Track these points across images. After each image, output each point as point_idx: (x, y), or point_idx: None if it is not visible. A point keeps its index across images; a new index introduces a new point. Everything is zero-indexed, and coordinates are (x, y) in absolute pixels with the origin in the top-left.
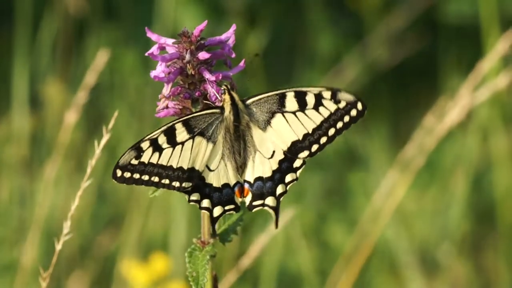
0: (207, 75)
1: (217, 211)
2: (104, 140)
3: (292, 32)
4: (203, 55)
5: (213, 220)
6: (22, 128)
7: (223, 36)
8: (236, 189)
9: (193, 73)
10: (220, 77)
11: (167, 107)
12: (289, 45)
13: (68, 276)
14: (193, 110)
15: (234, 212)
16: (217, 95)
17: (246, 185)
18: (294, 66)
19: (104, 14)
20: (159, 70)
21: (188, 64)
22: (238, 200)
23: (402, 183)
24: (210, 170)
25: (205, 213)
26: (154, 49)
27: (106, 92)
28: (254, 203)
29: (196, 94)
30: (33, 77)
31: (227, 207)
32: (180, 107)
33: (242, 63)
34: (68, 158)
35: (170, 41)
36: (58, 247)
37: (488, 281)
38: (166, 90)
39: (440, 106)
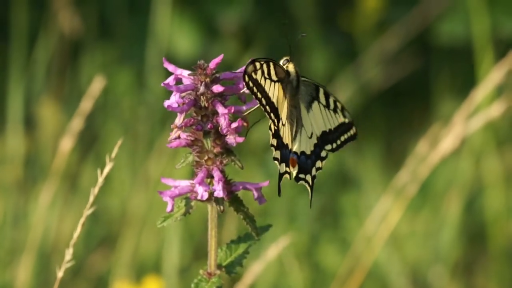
0: (220, 108)
1: (281, 168)
2: (107, 169)
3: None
4: (217, 88)
5: (279, 176)
6: (16, 149)
7: (238, 71)
8: (291, 156)
9: (206, 105)
10: (233, 111)
11: (179, 137)
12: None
13: None
14: (205, 142)
15: (288, 178)
16: (229, 128)
17: (295, 156)
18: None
19: (98, 33)
20: (173, 100)
21: (202, 96)
22: (291, 168)
23: (396, 210)
24: (283, 124)
25: (211, 245)
26: (170, 80)
27: (100, 111)
28: (300, 175)
29: (208, 126)
30: (28, 97)
31: (286, 170)
32: (192, 138)
33: (254, 100)
34: (61, 178)
35: (185, 72)
36: (60, 274)
37: None
38: (179, 120)
39: (433, 133)
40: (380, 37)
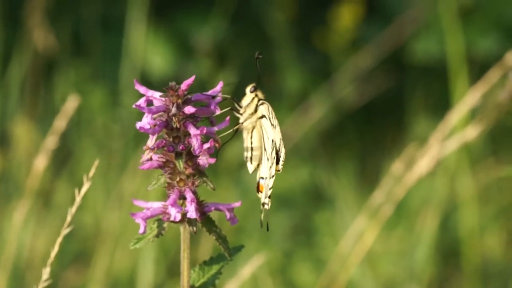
0: (192, 130)
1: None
2: (84, 189)
3: (261, 71)
4: (189, 109)
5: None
6: None
7: (209, 92)
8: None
9: (178, 126)
10: (205, 132)
11: (151, 159)
12: (257, 83)
13: None
14: (177, 163)
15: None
16: (201, 149)
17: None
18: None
19: (72, 51)
20: (145, 122)
21: (174, 118)
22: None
23: (371, 230)
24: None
25: (184, 266)
26: (141, 101)
27: (73, 128)
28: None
29: (180, 147)
30: (2, 115)
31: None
32: (164, 160)
33: (227, 120)
34: (35, 195)
35: (157, 94)
36: None
37: None
38: (151, 142)
39: (408, 153)
40: (354, 56)
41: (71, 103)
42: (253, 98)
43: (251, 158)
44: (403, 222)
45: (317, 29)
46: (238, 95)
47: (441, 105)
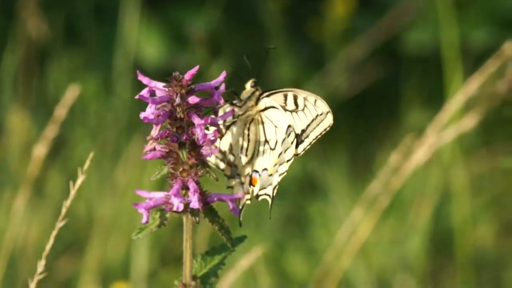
0: (196, 119)
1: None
2: (79, 182)
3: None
4: (193, 99)
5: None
6: None
7: (213, 82)
8: None
9: (182, 116)
10: (209, 122)
11: (154, 149)
12: (251, 73)
13: None
14: (180, 154)
15: None
16: (205, 139)
17: None
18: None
19: (65, 40)
20: (149, 112)
21: (178, 108)
22: None
23: (367, 221)
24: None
25: (186, 256)
26: (144, 92)
27: (67, 117)
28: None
29: (184, 138)
30: None
31: None
32: (167, 150)
33: (230, 111)
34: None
35: (160, 84)
36: (32, 285)
37: None
38: (155, 132)
39: (404, 144)
40: (347, 46)
41: (71, 92)
42: (253, 92)
43: (246, 150)
44: (396, 212)
45: (310, 19)
46: (234, 85)
47: (434, 95)
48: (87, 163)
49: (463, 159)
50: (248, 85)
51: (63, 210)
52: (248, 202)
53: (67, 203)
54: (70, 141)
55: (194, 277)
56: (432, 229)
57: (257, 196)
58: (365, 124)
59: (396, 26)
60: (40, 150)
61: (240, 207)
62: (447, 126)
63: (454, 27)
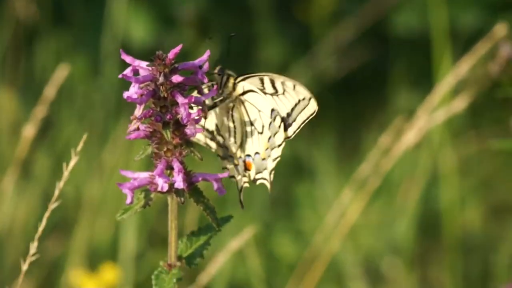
0: (180, 98)
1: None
2: (72, 163)
3: (242, 42)
4: (176, 78)
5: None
6: None
7: (196, 61)
8: None
9: (165, 96)
10: (193, 101)
11: (138, 128)
12: (238, 54)
13: (12, 281)
14: (164, 133)
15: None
16: (189, 118)
17: None
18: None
19: (53, 20)
20: (133, 91)
21: (161, 87)
22: None
23: (356, 204)
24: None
25: (172, 236)
26: (128, 71)
27: (54, 97)
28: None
29: (168, 117)
30: None
31: None
32: (151, 129)
33: (214, 89)
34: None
35: (144, 63)
36: (24, 267)
37: None
38: (139, 111)
39: (396, 126)
40: (335, 28)
41: (61, 72)
42: (227, 79)
43: (234, 134)
44: (384, 195)
45: (298, 1)
46: (219, 63)
47: (421, 78)
48: (80, 144)
49: (451, 142)
50: (216, 73)
51: (56, 192)
52: (247, 185)
53: (60, 184)
54: (57, 122)
55: (179, 258)
56: (420, 212)
57: (255, 180)
58: (352, 106)
59: (384, 9)
60: (29, 131)
61: (239, 190)
62: (437, 108)
63: (443, 10)
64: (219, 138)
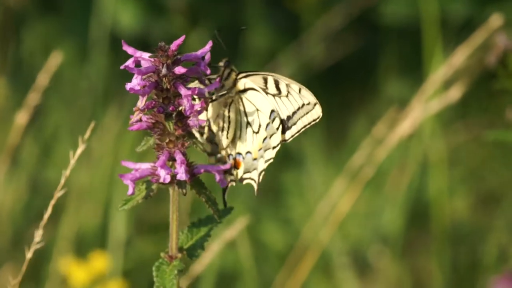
0: (183, 90)
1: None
2: (79, 151)
3: (231, 29)
4: (179, 69)
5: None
6: None
7: (199, 52)
8: None
9: (168, 87)
10: (196, 92)
11: (140, 120)
12: (227, 41)
13: None
14: (167, 125)
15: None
16: (192, 110)
17: None
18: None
19: (42, 6)
20: (135, 83)
21: (164, 78)
22: None
23: (349, 194)
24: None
25: (173, 228)
26: (129, 62)
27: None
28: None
29: (170, 108)
30: None
31: None
32: (153, 121)
33: (217, 81)
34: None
35: (146, 54)
36: (29, 255)
37: (421, 281)
38: (141, 103)
39: (390, 116)
40: (323, 16)
41: (54, 59)
42: (229, 73)
43: (227, 131)
44: (373, 184)
45: None
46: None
47: (410, 67)
48: (88, 132)
49: (440, 132)
50: (221, 66)
51: (62, 180)
52: (233, 183)
53: (67, 172)
54: (45, 108)
55: (180, 249)
56: (409, 201)
57: (242, 179)
58: (340, 94)
59: None
60: (22, 118)
61: (225, 187)
62: (430, 99)
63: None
64: (210, 133)
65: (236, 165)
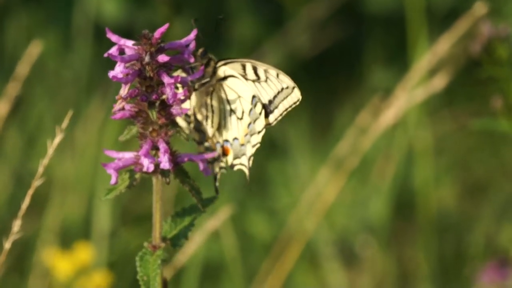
0: (166, 78)
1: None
2: (57, 140)
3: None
4: (162, 57)
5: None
6: None
7: (183, 41)
8: None
9: (151, 75)
10: (179, 80)
11: (123, 108)
12: (211, 31)
13: None
14: (150, 113)
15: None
16: (175, 98)
17: None
18: (215, 53)
19: None
20: (118, 71)
21: (147, 66)
22: None
23: (333, 183)
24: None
25: (156, 218)
26: (113, 50)
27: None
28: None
29: (153, 97)
30: None
31: None
32: (136, 109)
33: (201, 70)
34: None
35: (129, 42)
36: (8, 245)
37: (407, 271)
38: (124, 91)
39: (374, 104)
40: (308, 4)
41: (34, 49)
42: (208, 62)
43: (212, 119)
44: (358, 173)
45: None
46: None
47: (395, 55)
48: (66, 121)
49: (426, 120)
50: (198, 56)
51: (40, 169)
52: (224, 171)
53: (45, 161)
54: (28, 99)
55: (164, 239)
56: (395, 191)
57: (232, 165)
58: (325, 83)
59: None
60: (2, 108)
61: (215, 175)
62: (415, 87)
63: None
64: (196, 122)
65: (225, 152)
